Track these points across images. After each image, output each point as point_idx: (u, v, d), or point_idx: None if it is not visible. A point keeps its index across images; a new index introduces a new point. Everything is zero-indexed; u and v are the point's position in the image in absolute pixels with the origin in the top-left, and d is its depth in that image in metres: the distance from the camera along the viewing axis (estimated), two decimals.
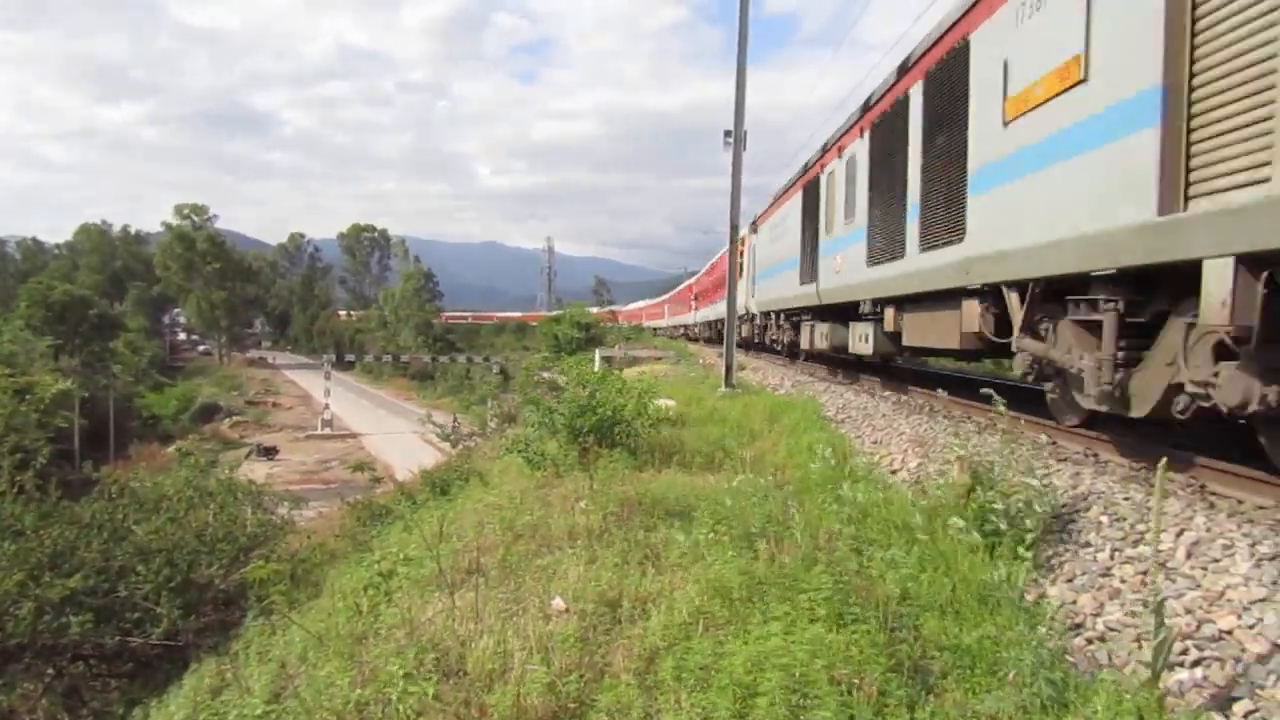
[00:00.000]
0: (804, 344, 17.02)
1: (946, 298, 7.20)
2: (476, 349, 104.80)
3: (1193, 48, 2.74)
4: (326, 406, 62.07)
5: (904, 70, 7.27)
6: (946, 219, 6.57)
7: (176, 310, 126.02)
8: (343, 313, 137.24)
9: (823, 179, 13.43)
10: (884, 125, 8.08)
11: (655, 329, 65.79)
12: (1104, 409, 5.28)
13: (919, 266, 7.43)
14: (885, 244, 9.00)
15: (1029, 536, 5.84)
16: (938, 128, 6.42)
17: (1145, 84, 3.00)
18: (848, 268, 11.40)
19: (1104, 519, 6.04)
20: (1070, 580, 5.50)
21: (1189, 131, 2.88)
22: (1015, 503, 6.05)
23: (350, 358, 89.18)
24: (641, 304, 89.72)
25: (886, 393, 15.37)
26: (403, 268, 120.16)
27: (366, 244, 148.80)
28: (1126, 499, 6.27)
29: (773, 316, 21.47)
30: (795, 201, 16.57)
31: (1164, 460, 4.25)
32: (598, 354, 38.78)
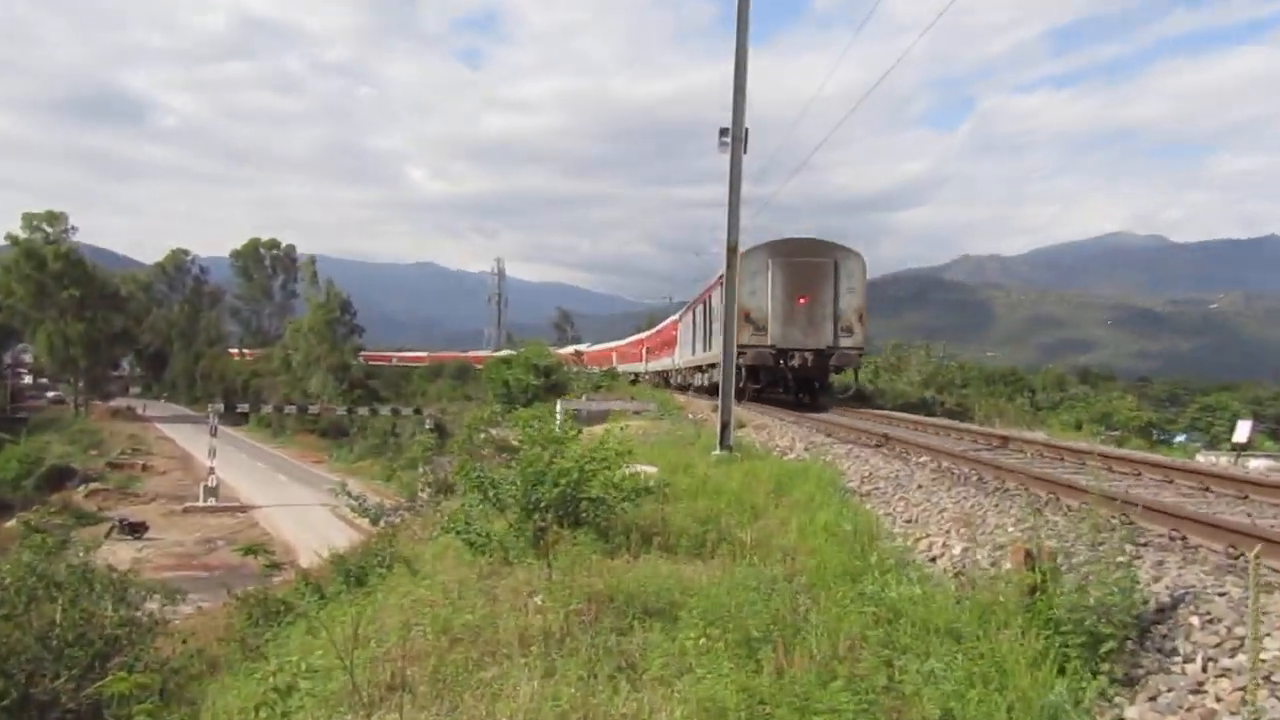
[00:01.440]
0: (696, 382, 37.93)
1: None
2: (405, 399, 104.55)
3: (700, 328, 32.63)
4: (212, 471, 61.41)
5: (722, 277, 19.74)
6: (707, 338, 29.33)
7: (21, 346, 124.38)
8: (235, 351, 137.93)
9: (700, 308, 33.62)
10: (708, 300, 28.20)
11: (635, 375, 66.66)
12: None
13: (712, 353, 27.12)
14: (705, 341, 30.72)
15: (1106, 645, 5.79)
16: (711, 311, 28.27)
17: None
18: (714, 347, 27.59)
19: (1194, 620, 6.00)
20: (1153, 699, 5.48)
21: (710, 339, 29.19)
22: (1090, 601, 6.04)
23: (244, 408, 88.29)
24: (615, 343, 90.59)
25: (923, 458, 15.50)
26: (312, 295, 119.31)
27: (267, 264, 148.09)
28: (1222, 595, 6.21)
29: (683, 370, 41.94)
30: (697, 309, 36.98)
31: (1258, 548, 4.22)
32: (560, 406, 39.12)
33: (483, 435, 31.00)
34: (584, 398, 43.58)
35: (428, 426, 62.31)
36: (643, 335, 71.95)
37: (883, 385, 49.03)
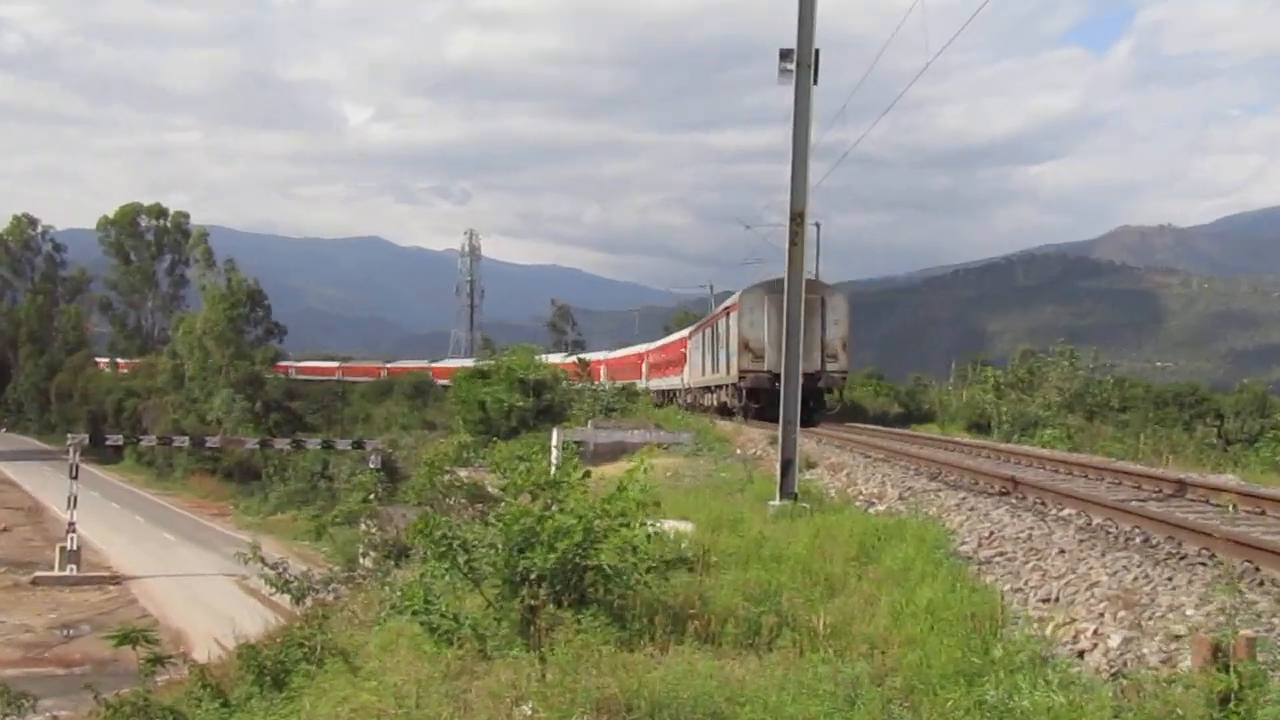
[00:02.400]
0: (705, 403, 53.82)
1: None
2: (342, 426, 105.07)
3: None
4: (71, 528, 61.81)
5: (728, 309, 47.75)
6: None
7: None
8: (105, 361, 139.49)
9: (712, 330, 52.36)
10: (726, 321, 48.12)
11: (663, 393, 68.69)
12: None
13: (720, 375, 49.30)
14: (716, 363, 51.12)
15: None
16: (727, 334, 47.43)
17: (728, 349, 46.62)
18: (726, 370, 47.36)
19: None
20: None
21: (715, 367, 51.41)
22: None
23: (116, 440, 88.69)
24: (634, 349, 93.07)
25: (1066, 510, 15.50)
26: (210, 282, 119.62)
27: (150, 239, 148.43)
28: None
29: (694, 390, 58.60)
30: (705, 332, 54.60)
31: None
32: (558, 437, 38.44)
33: (449, 478, 31.16)
34: (591, 425, 43.74)
35: (372, 465, 62.56)
36: (644, 348, 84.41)
37: (1008, 408, 49.07)
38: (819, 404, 44.37)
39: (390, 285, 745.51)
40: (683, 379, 64.45)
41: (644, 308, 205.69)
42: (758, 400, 43.35)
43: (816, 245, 69.08)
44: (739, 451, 32.07)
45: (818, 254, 70.36)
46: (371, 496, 46.02)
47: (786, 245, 19.56)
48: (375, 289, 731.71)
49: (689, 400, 60.39)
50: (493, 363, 62.08)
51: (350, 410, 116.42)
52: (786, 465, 18.81)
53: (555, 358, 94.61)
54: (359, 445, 70.63)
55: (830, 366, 43.93)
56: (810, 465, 24.79)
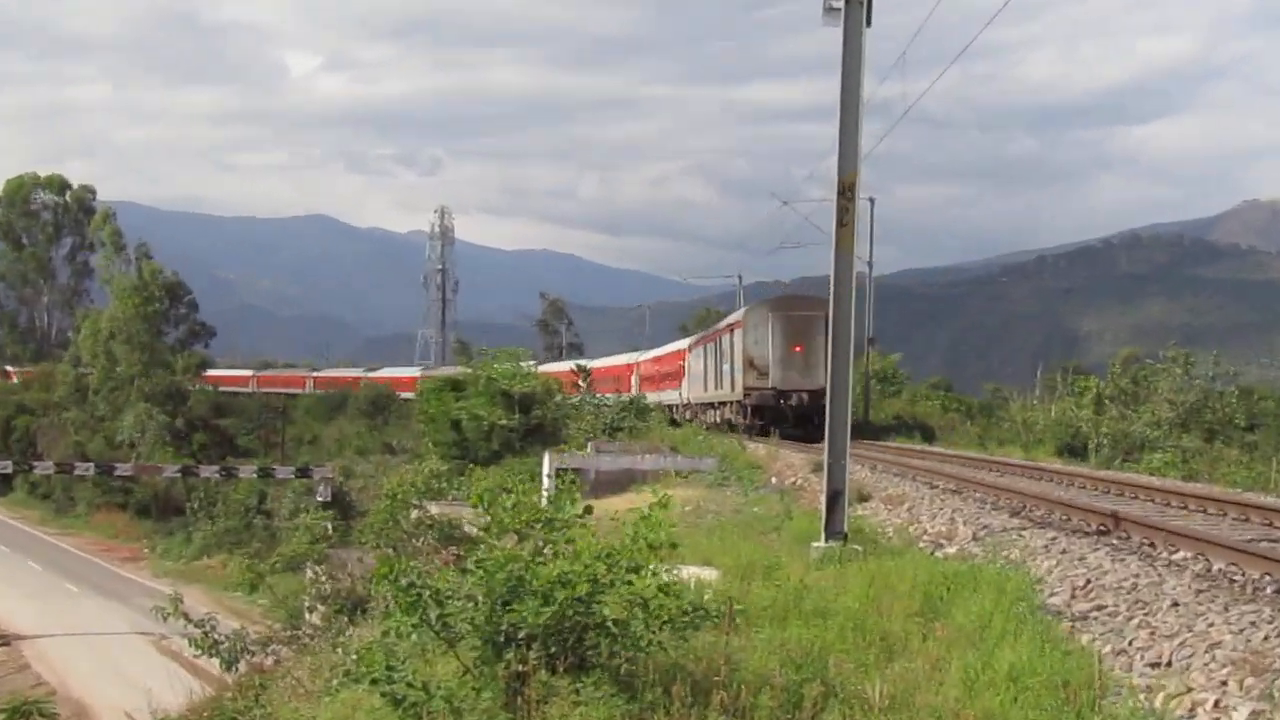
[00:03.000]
0: (707, 420, 62.55)
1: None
2: (283, 450, 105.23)
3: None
4: None
5: (731, 325, 59.21)
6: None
7: None
8: None
9: (715, 344, 62.64)
10: (730, 337, 58.72)
11: (681, 407, 70.93)
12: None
13: (725, 391, 60.39)
14: (719, 379, 61.39)
15: None
16: (731, 350, 58.35)
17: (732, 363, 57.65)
18: (730, 387, 57.98)
19: None
20: None
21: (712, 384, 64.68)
22: None
23: (4, 468, 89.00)
24: (621, 359, 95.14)
25: (1179, 551, 15.48)
26: (118, 271, 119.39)
27: (45, 219, 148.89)
28: None
29: (694, 406, 67.77)
30: (708, 346, 64.79)
31: None
32: (550, 463, 39.50)
33: (416, 514, 31.23)
34: (592, 448, 43.87)
35: (321, 498, 62.77)
36: (634, 358, 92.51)
37: (1107, 427, 49.11)
38: (823, 421, 48.50)
39: (344, 276, 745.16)
40: (681, 393, 72.64)
41: (657, 303, 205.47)
42: (762, 417, 52.55)
43: (870, 225, 69.08)
44: (774, 480, 32.14)
45: (871, 236, 70.11)
46: (320, 537, 46.10)
47: (834, 225, 19.57)
48: (325, 280, 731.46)
49: (688, 416, 68.68)
50: (470, 371, 62.39)
51: (294, 430, 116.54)
52: (834, 498, 18.84)
53: (548, 365, 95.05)
54: (304, 473, 70.94)
55: None
56: (863, 498, 24.84)
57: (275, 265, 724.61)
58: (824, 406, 47.40)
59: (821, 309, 48.52)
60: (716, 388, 61.66)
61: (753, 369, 53.35)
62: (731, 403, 58.28)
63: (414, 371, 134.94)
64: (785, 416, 52.55)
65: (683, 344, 78.52)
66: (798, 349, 53.93)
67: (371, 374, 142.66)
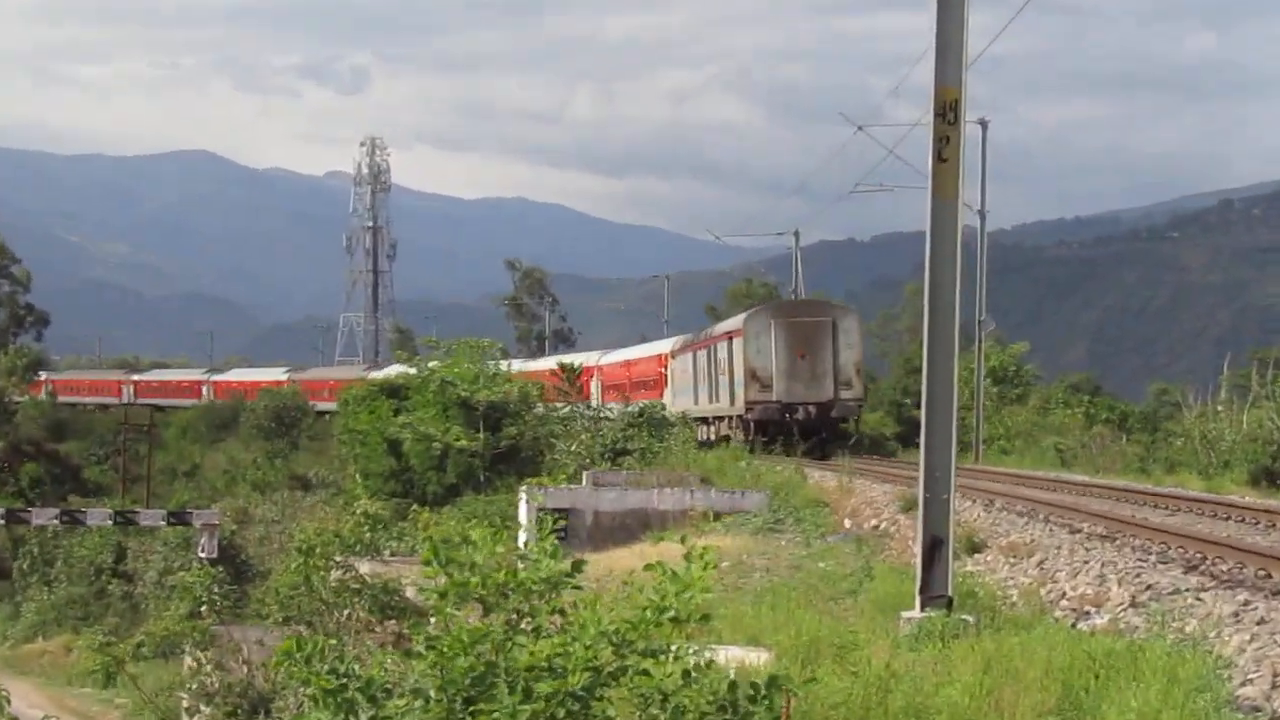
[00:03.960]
0: (700, 437, 74.04)
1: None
2: (150, 486, 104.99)
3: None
4: None
5: (729, 333, 72.95)
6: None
7: None
8: None
9: (709, 351, 78.22)
10: (720, 345, 75.81)
11: (718, 421, 73.29)
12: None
13: (722, 405, 76.43)
14: (715, 391, 76.64)
15: None
16: (729, 360, 73.74)
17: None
18: (721, 396, 74.12)
19: None
20: None
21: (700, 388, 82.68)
22: None
23: None
24: (606, 356, 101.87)
25: None
26: None
27: None
28: None
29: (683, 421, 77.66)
30: (698, 354, 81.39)
31: None
32: (529, 502, 39.50)
33: (340, 575, 31.38)
34: (588, 479, 43.86)
35: (204, 554, 62.81)
36: (592, 358, 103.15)
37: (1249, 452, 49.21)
38: (833, 435, 64.99)
39: (235, 238, 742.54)
40: (664, 406, 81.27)
41: (681, 274, 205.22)
42: (766, 434, 62.51)
43: (981, 159, 69.10)
44: (848, 524, 32.20)
45: (983, 175, 70.16)
46: (204, 608, 46.24)
47: (929, 160, 19.59)
48: (210, 244, 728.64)
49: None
50: (414, 372, 62.09)
51: (165, 458, 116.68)
52: (934, 548, 18.85)
53: (525, 363, 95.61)
54: (180, 519, 70.91)
55: (845, 395, 66.03)
56: (975, 547, 24.71)
57: (138, 223, 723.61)
58: (834, 420, 61.81)
59: (829, 314, 65.82)
60: (711, 400, 73.79)
61: (755, 381, 65.06)
62: (730, 418, 68.98)
63: (346, 373, 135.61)
64: (791, 432, 62.07)
65: (662, 346, 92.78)
66: (803, 358, 65.86)
67: (301, 376, 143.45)
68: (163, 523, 71.35)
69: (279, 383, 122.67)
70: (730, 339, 68.61)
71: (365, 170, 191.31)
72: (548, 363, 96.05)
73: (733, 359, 67.54)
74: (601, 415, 62.70)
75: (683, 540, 12.42)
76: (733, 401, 66.43)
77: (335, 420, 77.77)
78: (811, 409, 62.87)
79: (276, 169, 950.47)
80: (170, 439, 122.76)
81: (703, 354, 74.46)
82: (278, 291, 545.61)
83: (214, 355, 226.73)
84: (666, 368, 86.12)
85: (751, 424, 62.71)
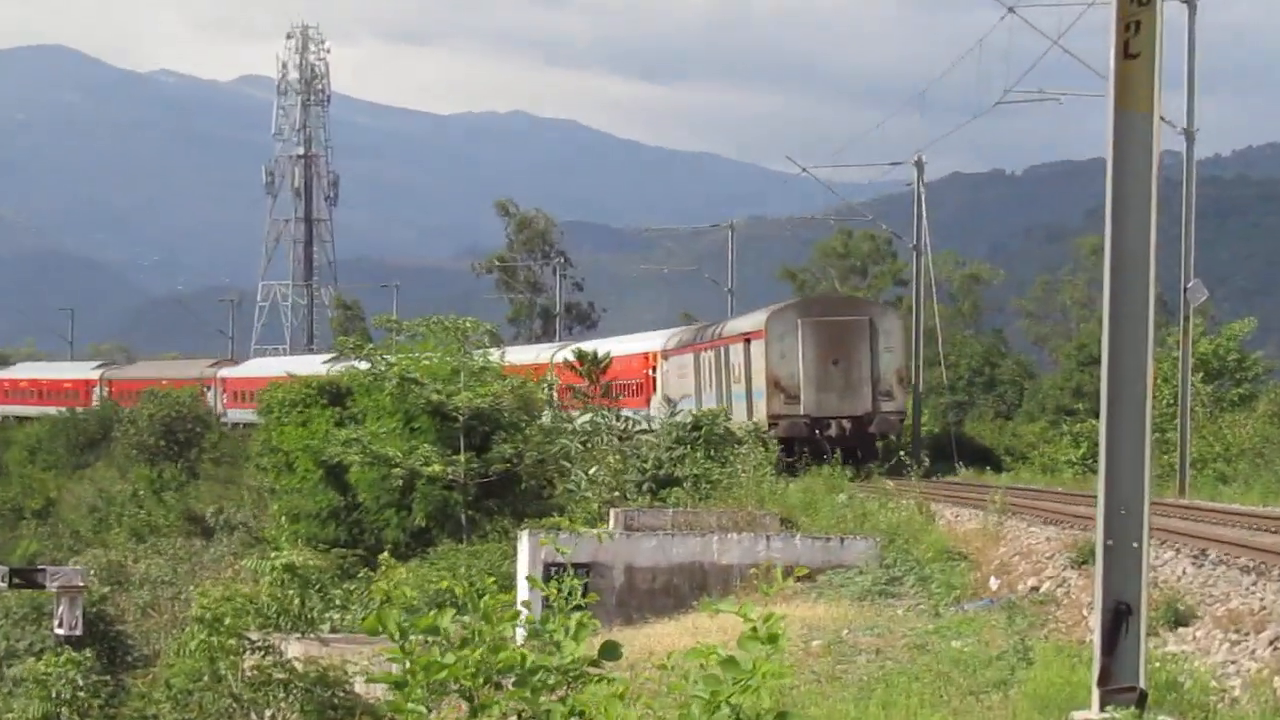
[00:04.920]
0: None
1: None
2: None
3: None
4: None
5: (747, 334, 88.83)
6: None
7: None
8: None
9: (712, 355, 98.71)
10: (734, 347, 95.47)
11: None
12: None
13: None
14: (728, 396, 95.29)
15: None
16: (744, 363, 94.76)
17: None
18: (737, 409, 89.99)
19: None
20: None
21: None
22: None
23: None
24: (561, 347, 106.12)
25: None
26: None
27: None
28: None
29: None
30: (702, 356, 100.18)
31: None
32: (530, 552, 39.73)
33: (259, 660, 31.54)
34: (616, 520, 43.70)
35: (62, 629, 63.26)
36: (553, 352, 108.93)
37: None
38: (869, 455, 71.97)
39: (105, 170, 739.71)
40: (651, 418, 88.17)
41: (747, 224, 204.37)
42: (791, 453, 70.45)
43: (1187, 56, 68.76)
44: (994, 584, 32.18)
45: (1190, 78, 69.72)
46: (63, 710, 46.41)
47: (1110, 57, 19.56)
48: (65, 180, 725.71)
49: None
50: (364, 368, 61.76)
51: (5, 490, 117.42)
52: (1119, 619, 18.77)
53: (522, 351, 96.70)
54: (26, 579, 71.17)
55: (885, 406, 75.45)
56: (1180, 618, 24.54)
57: None
58: (871, 437, 73.41)
59: (865, 312, 73.05)
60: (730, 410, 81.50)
61: (779, 391, 74.36)
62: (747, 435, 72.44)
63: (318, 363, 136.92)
64: (821, 451, 70.43)
65: (650, 341, 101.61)
66: (835, 364, 75.41)
67: (235, 373, 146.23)
68: (2, 584, 71.72)
69: (273, 380, 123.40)
70: (748, 341, 76.78)
71: (293, 74, 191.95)
72: (655, 341, 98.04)
73: (750, 364, 75.84)
74: (631, 428, 62.61)
75: (750, 610, 12.26)
76: (750, 414, 73.20)
77: (253, 436, 77.84)
78: (846, 424, 70.90)
79: (166, 72, 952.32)
80: (11, 464, 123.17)
81: (709, 355, 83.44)
82: (167, 248, 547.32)
83: (75, 341, 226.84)
84: (656, 369, 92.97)
85: (774, 442, 66.85)
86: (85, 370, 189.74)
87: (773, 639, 11.67)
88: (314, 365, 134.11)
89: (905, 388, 74.05)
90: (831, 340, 72.03)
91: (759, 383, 71.26)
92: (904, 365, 72.15)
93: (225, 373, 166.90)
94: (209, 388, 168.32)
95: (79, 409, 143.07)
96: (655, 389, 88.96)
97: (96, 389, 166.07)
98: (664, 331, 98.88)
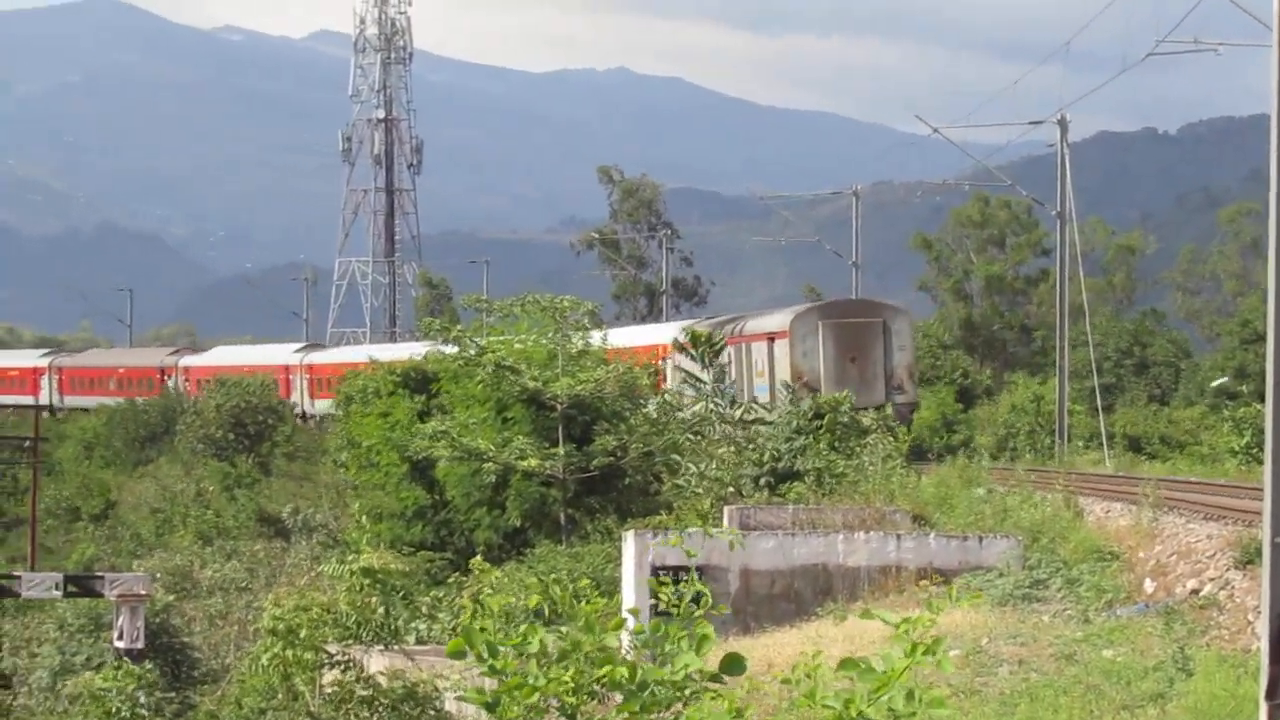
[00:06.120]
0: None
1: None
2: (33, 536, 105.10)
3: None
4: None
5: (771, 334, 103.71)
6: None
7: None
8: None
9: (731, 350, 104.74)
10: (756, 346, 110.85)
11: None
12: None
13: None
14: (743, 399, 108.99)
15: None
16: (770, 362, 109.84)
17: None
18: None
19: None
20: None
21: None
22: None
23: None
24: (660, 330, 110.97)
25: None
26: None
27: None
28: None
29: None
30: (725, 352, 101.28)
31: None
32: (636, 554, 39.00)
33: (339, 674, 31.63)
34: (730, 516, 43.53)
35: (123, 642, 63.43)
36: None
37: None
38: None
39: (165, 137, 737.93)
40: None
41: (872, 189, 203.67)
42: None
43: None
44: (1150, 587, 32.04)
45: None
46: None
47: (1275, 2, 19.53)
48: (122, 148, 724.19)
49: None
50: (451, 350, 61.45)
51: (60, 490, 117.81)
52: None
53: (625, 332, 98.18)
54: (83, 586, 71.24)
55: (898, 399, 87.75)
56: None
57: (4, 116, 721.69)
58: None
59: (879, 314, 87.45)
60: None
61: (803, 386, 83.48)
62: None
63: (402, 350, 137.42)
64: None
65: (659, 332, 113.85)
66: (853, 361, 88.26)
67: (199, 362, 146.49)
68: (57, 593, 71.71)
69: (350, 367, 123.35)
70: (772, 340, 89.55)
71: (371, 30, 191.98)
72: (665, 332, 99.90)
73: (774, 362, 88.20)
74: (747, 415, 62.78)
75: (885, 617, 12.15)
76: (770, 412, 79.72)
77: (332, 429, 77.92)
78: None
79: (231, 28, 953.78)
80: (66, 462, 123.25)
81: (729, 351, 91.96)
82: (234, 222, 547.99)
83: (135, 325, 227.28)
84: (666, 364, 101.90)
85: None
86: (33, 359, 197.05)
87: (938, 658, 11.58)
88: (286, 354, 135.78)
89: (915, 382, 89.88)
90: (849, 339, 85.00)
91: (783, 377, 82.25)
92: (914, 362, 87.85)
93: (188, 361, 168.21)
94: (170, 377, 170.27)
95: (139, 398, 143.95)
96: (665, 383, 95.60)
97: (45, 378, 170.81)
98: (674, 324, 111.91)
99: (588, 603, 12.91)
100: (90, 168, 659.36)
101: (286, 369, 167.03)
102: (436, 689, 29.00)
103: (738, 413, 63.29)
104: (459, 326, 65.28)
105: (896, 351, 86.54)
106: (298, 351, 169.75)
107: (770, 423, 63.96)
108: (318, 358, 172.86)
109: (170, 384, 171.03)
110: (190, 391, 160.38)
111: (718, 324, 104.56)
